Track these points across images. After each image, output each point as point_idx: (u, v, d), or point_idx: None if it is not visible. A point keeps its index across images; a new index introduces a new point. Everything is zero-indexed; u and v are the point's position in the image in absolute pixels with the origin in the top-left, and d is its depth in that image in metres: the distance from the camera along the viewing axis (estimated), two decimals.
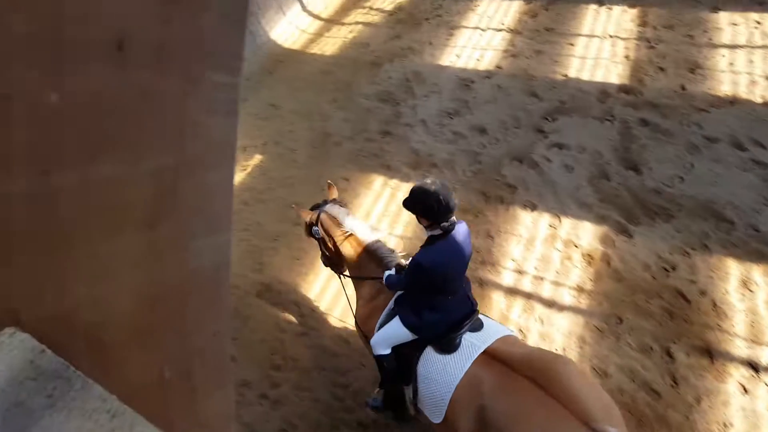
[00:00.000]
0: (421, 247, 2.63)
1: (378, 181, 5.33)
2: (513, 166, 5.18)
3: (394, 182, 5.28)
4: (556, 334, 3.72)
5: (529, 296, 4.01)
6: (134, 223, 0.83)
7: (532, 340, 3.69)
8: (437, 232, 2.54)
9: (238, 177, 5.60)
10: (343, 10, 8.71)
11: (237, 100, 1.15)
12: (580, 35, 6.72)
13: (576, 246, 4.29)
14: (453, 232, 2.55)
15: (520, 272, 4.19)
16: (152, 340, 0.91)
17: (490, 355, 2.53)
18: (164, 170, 0.87)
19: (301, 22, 8.47)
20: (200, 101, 0.96)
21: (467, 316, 2.70)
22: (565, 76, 6.15)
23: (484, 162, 5.29)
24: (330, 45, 7.89)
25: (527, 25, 7.15)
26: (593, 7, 7.14)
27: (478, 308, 2.80)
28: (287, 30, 8.16)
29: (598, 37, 6.62)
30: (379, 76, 6.92)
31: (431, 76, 6.69)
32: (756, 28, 6.04)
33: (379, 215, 4.94)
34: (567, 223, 4.50)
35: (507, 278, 4.16)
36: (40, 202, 0.68)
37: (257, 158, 5.95)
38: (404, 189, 5.19)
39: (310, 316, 4.12)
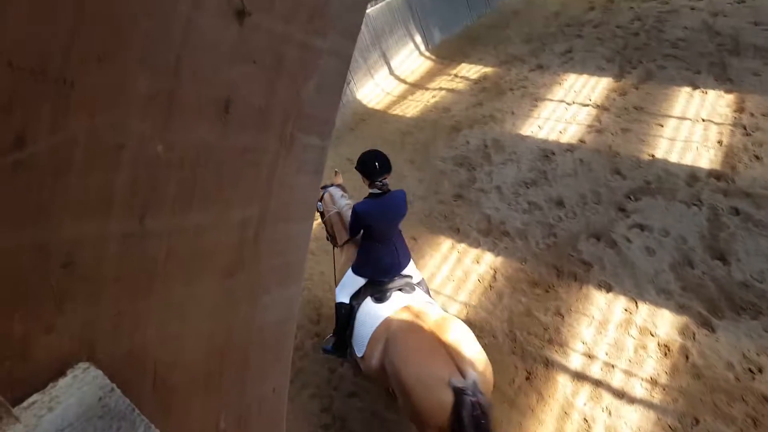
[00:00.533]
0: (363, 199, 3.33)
1: (446, 243, 5.29)
2: (590, 243, 4.98)
3: (462, 246, 5.22)
4: (624, 428, 3.42)
5: (597, 383, 3.75)
6: (215, 270, 0.86)
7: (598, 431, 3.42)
8: (375, 191, 3.28)
9: None
10: (429, 76, 9.00)
11: (324, 161, 1.20)
12: (670, 116, 6.52)
13: (652, 335, 4.00)
14: (388, 194, 3.28)
15: (589, 356, 3.94)
16: (214, 388, 0.92)
17: (409, 310, 3.09)
18: (249, 221, 0.91)
19: (387, 84, 8.82)
20: (291, 161, 1.01)
21: (393, 265, 3.35)
22: (652, 156, 5.95)
23: (559, 235, 5.14)
24: (412, 107, 8.12)
25: (615, 102, 7.04)
26: (687, 89, 6.95)
27: (412, 261, 3.52)
28: (373, 91, 8.52)
29: (689, 119, 6.39)
30: (457, 140, 7.01)
31: (510, 145, 6.69)
32: None
33: (444, 279, 4.87)
34: (644, 309, 4.23)
35: (575, 361, 3.92)
36: (131, 245, 0.72)
37: None
38: (472, 255, 5.11)
39: (362, 375, 4.06)
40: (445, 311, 3.18)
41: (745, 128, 6.02)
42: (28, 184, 0.62)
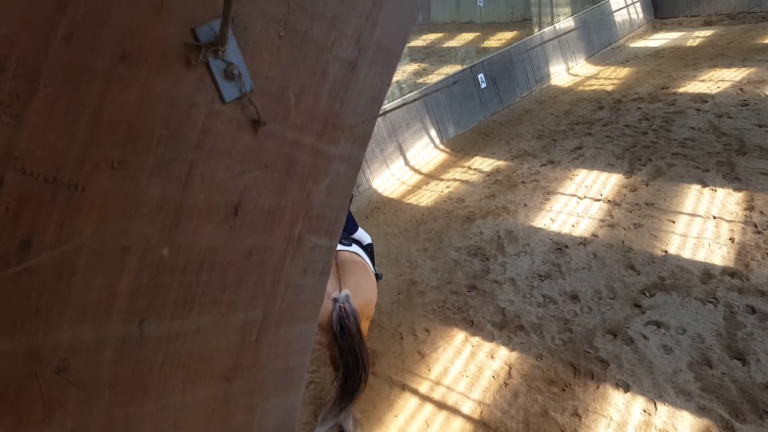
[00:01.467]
0: None
1: (459, 336, 5.16)
2: (606, 339, 4.83)
3: (476, 340, 5.08)
4: None
5: None
6: (213, 375, 0.83)
7: None
8: None
9: None
10: (443, 167, 9.23)
11: (331, 262, 1.20)
12: (681, 213, 6.54)
13: None
14: None
15: None
16: None
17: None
18: (252, 323, 0.90)
19: (402, 174, 9.05)
20: (298, 262, 1.02)
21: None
22: (665, 252, 5.90)
23: (575, 331, 5.00)
24: (426, 197, 8.26)
25: (626, 198, 7.11)
26: (696, 187, 7.01)
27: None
28: (389, 180, 8.73)
29: (700, 216, 6.40)
30: (470, 230, 7.04)
31: (524, 236, 6.70)
32: None
33: (457, 374, 4.70)
34: (663, 411, 4.01)
35: None
36: (128, 350, 0.71)
37: None
38: (486, 349, 4.96)
39: None
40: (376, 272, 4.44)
41: (756, 226, 5.99)
42: (29, 287, 0.62)
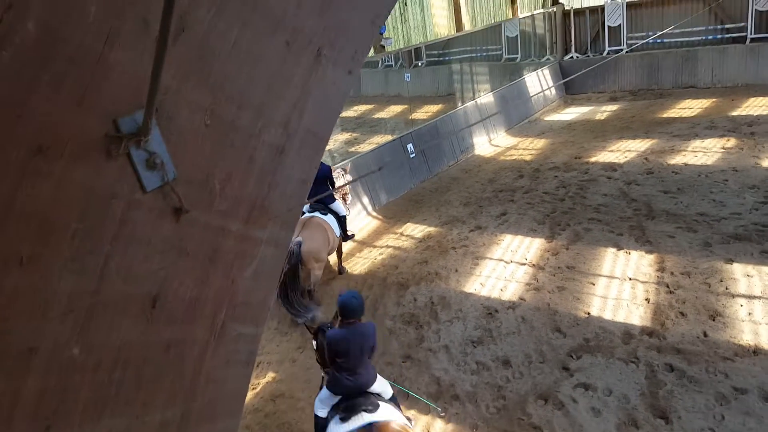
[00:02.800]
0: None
1: None
2: (538, 405, 4.90)
3: (411, 413, 4.98)
4: None
5: None
6: None
7: None
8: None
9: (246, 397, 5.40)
10: (377, 234, 9.33)
11: (256, 351, 1.17)
12: (600, 275, 6.92)
13: None
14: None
15: None
16: None
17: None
18: (169, 424, 0.84)
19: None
20: (221, 353, 0.98)
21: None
22: (588, 314, 6.16)
23: (508, 398, 5.03)
24: (360, 264, 8.27)
25: (549, 261, 7.45)
26: (612, 250, 7.48)
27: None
28: None
29: (617, 278, 6.79)
30: (405, 297, 7.08)
31: (456, 302, 6.80)
32: None
33: None
34: None
35: None
36: None
37: (270, 376, 5.81)
38: (422, 422, 4.87)
39: None
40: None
41: (668, 286, 6.41)
42: None
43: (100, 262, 0.74)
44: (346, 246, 8.94)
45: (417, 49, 20.90)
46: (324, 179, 7.12)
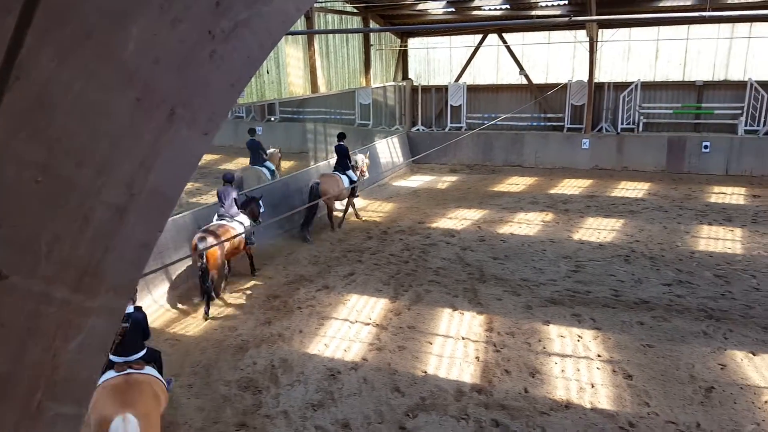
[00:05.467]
0: None
1: None
2: None
3: None
4: None
5: None
6: None
7: None
8: None
9: None
10: (216, 291, 8.85)
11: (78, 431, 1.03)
12: (437, 335, 7.32)
13: None
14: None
15: None
16: None
17: None
18: None
19: (165, 301, 8.40)
20: None
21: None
22: (425, 372, 6.44)
23: None
24: (194, 326, 7.76)
25: (392, 321, 7.70)
26: (448, 310, 8.00)
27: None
28: (151, 307, 7.94)
29: (452, 338, 7.25)
30: (243, 361, 6.75)
31: (298, 364, 6.66)
32: (578, 340, 7.04)
33: None
34: None
35: None
36: None
37: None
38: None
39: None
40: None
41: (495, 345, 7.00)
42: None
43: None
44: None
45: (271, 104, 21.06)
46: (346, 154, 12.17)
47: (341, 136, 12.30)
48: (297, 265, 9.99)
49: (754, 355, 6.53)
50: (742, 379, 6.06)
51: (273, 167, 13.20)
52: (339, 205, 12.75)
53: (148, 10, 0.98)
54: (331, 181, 11.57)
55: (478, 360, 6.67)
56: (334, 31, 14.49)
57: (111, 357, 4.84)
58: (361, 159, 12.98)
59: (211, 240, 8.03)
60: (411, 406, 5.80)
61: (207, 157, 18.42)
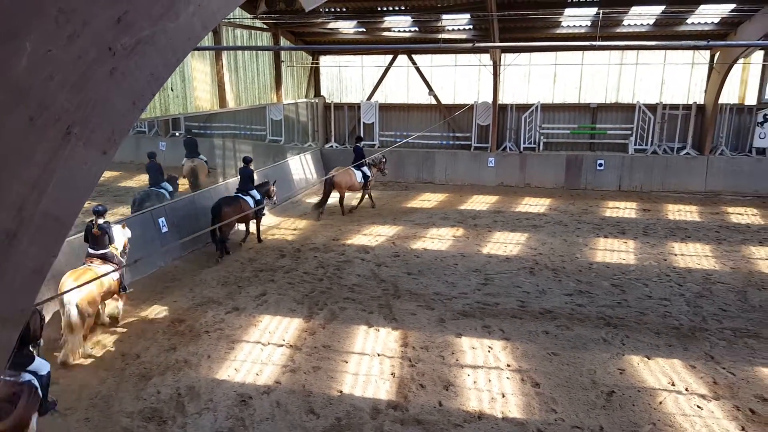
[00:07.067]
0: None
1: None
2: None
3: None
4: None
5: None
6: None
7: None
8: None
9: None
10: (115, 318, 8.25)
11: None
12: (353, 353, 7.29)
13: None
14: None
15: None
16: None
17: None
18: None
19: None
20: None
21: None
22: (341, 392, 6.38)
23: None
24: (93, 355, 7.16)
25: (306, 341, 7.57)
26: (364, 327, 8.00)
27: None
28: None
29: (368, 355, 7.25)
30: (146, 390, 6.31)
31: (206, 392, 6.33)
32: (489, 351, 7.31)
33: None
34: None
35: None
36: None
37: None
38: None
39: None
40: None
41: (410, 360, 7.09)
42: None
43: None
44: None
45: (176, 119, 20.19)
46: (361, 154, 14.53)
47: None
48: (204, 286, 9.57)
49: (648, 359, 7.11)
50: (639, 382, 6.57)
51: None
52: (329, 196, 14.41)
53: (42, 24, 0.91)
54: (344, 174, 14.31)
55: (393, 376, 6.72)
56: (243, 48, 14.21)
57: None
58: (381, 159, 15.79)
59: None
60: (326, 427, 5.71)
61: (106, 174, 17.26)
